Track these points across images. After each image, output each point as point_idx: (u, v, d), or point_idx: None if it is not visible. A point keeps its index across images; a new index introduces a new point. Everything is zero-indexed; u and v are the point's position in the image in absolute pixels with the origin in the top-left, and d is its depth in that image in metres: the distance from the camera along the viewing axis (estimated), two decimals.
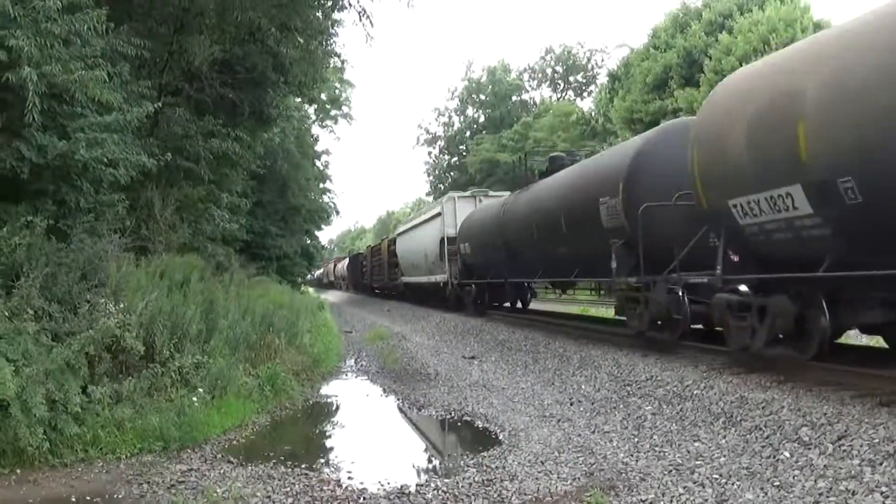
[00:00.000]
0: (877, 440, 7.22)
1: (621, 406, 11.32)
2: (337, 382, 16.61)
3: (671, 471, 7.93)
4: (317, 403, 14.11)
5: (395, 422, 12.48)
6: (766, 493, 6.84)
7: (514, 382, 14.59)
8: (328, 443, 11.46)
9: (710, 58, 41.28)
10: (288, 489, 7.85)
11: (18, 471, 8.31)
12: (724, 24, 43.89)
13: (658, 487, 7.45)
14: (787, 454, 7.67)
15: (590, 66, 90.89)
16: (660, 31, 50.92)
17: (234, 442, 10.35)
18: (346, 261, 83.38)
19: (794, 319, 10.42)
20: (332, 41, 24.75)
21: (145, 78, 15.18)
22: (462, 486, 7.77)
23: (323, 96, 44.18)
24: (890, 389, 8.92)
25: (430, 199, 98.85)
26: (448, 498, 7.45)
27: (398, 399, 13.96)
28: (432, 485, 7.91)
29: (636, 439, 9.47)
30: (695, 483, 7.43)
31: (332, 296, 76.33)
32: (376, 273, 55.73)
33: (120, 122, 12.34)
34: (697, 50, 44.18)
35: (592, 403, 11.86)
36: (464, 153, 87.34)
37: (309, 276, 72.71)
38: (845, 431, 7.69)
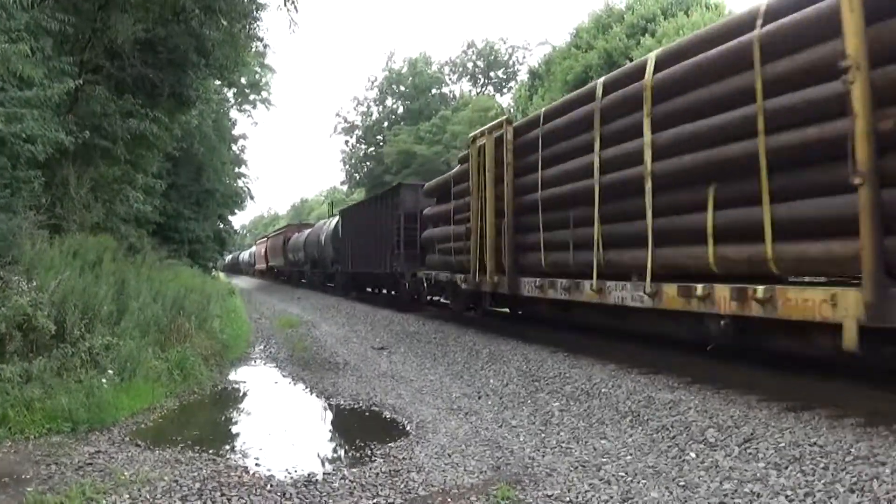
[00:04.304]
0: (783, 444, 7.46)
1: (529, 401, 11.54)
2: (246, 368, 16.59)
3: (577, 467, 8.06)
4: (225, 389, 14.08)
5: (302, 410, 12.54)
6: (672, 493, 6.96)
7: (422, 374, 14.79)
8: (236, 429, 11.44)
9: (631, 60, 41.98)
10: (195, 474, 7.84)
11: None
12: (647, 28, 44.61)
13: (564, 483, 7.55)
14: (693, 455, 7.86)
15: (511, 63, 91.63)
16: (582, 31, 51.54)
17: (143, 425, 10.32)
18: (331, 225, 41.77)
19: None
20: (255, 25, 24.63)
21: (67, 54, 15.02)
22: (369, 476, 7.86)
23: (243, 80, 43.81)
24: (796, 395, 9.26)
25: (345, 188, 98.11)
26: (355, 487, 7.53)
27: (306, 387, 14.00)
28: (339, 474, 7.99)
29: (543, 435, 9.62)
30: (600, 480, 7.54)
31: (246, 283, 74.52)
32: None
33: (40, 98, 12.22)
34: (618, 52, 44.78)
35: (500, 398, 12.08)
36: (381, 143, 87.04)
37: (220, 260, 68.81)
38: (752, 434, 7.94)
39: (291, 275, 58.21)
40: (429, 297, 25.69)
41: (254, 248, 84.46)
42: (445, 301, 23.73)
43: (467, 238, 18.69)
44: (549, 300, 15.16)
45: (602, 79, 13.44)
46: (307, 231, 51.08)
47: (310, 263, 48.34)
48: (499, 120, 17.36)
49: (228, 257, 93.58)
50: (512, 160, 16.34)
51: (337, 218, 40.77)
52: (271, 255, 66.26)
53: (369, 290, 35.70)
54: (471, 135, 18.99)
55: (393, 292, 30.49)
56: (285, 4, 20.46)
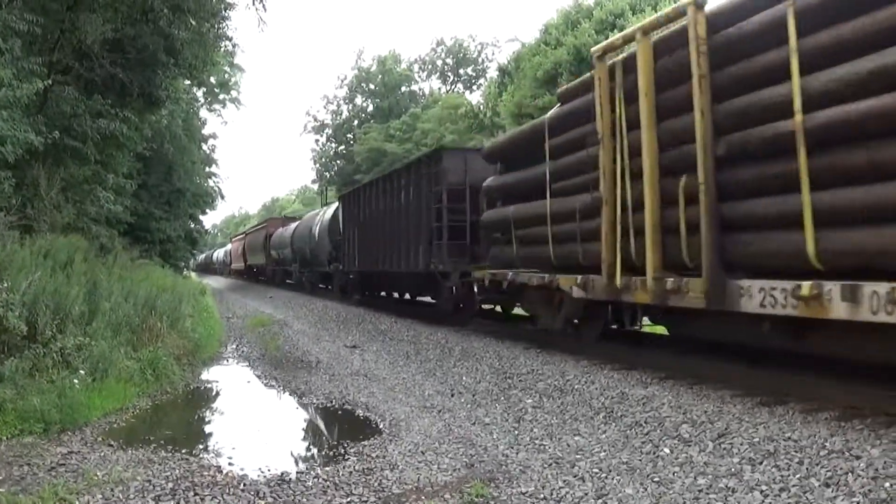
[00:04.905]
0: (757, 439, 7.44)
1: (502, 398, 11.52)
2: (218, 368, 16.59)
3: (551, 464, 8.04)
4: (198, 388, 14.09)
5: (275, 409, 12.56)
6: (646, 489, 6.94)
7: (395, 372, 14.81)
8: (209, 428, 11.48)
9: None
10: (168, 474, 7.81)
11: None
12: (616, 24, 44.75)
13: (538, 480, 7.54)
14: (668, 450, 7.82)
15: (480, 60, 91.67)
16: (551, 27, 51.61)
17: (115, 425, 10.31)
18: (325, 215, 34.62)
19: None
20: (224, 24, 24.62)
21: (36, 55, 14.97)
22: (342, 475, 7.87)
23: (212, 80, 43.67)
24: (770, 389, 9.24)
25: (316, 186, 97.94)
26: (328, 486, 7.53)
27: (279, 386, 14.02)
28: (313, 473, 7.99)
29: (516, 432, 9.60)
30: (575, 477, 7.52)
31: (220, 283, 73.97)
32: None
33: (9, 99, 12.19)
34: (587, 48, 44.91)
35: (473, 395, 12.07)
36: (351, 142, 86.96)
37: (192, 259, 68.04)
38: (725, 429, 7.91)
39: (275, 274, 50.45)
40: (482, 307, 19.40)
41: (230, 246, 77.03)
42: (497, 311, 19.47)
43: (587, 216, 11.95)
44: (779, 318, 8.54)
45: None
46: (294, 224, 43.55)
47: (299, 262, 40.66)
48: (674, 6, 10.01)
49: (201, 256, 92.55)
50: (707, 72, 9.15)
51: (335, 206, 33.02)
52: (250, 252, 58.89)
53: (383, 294, 28.94)
54: (596, 47, 11.70)
55: (428, 298, 23.60)
56: (254, 3, 20.55)
